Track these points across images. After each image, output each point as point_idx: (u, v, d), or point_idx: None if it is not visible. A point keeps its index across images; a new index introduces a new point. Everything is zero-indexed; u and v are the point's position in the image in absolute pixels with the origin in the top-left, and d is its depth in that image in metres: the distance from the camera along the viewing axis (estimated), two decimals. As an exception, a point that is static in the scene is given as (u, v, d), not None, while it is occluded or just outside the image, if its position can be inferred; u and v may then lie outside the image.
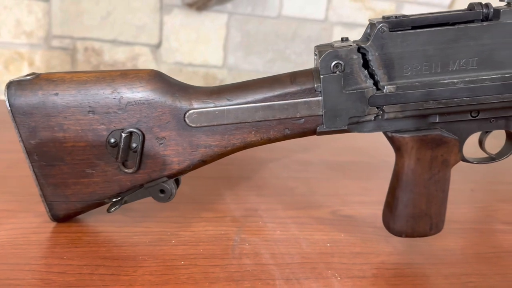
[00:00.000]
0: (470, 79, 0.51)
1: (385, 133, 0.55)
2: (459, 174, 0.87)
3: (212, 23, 1.87)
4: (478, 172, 0.93)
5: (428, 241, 0.64)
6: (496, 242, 0.65)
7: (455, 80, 0.51)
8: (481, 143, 0.61)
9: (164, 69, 1.80)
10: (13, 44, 1.75)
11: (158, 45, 1.84)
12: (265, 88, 0.53)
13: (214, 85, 0.55)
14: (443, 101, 0.52)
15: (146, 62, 1.89)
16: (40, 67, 1.82)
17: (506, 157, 0.61)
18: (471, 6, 0.51)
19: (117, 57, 1.85)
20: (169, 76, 0.54)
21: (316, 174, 0.90)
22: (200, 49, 1.98)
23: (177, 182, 0.62)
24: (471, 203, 0.78)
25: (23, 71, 1.79)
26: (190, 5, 1.81)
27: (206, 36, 1.89)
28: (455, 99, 0.52)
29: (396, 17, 0.51)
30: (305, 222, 0.67)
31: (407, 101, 0.52)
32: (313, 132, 0.54)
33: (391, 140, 0.59)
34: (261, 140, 0.53)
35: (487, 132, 0.56)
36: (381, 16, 0.52)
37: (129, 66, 1.90)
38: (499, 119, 0.54)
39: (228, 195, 0.75)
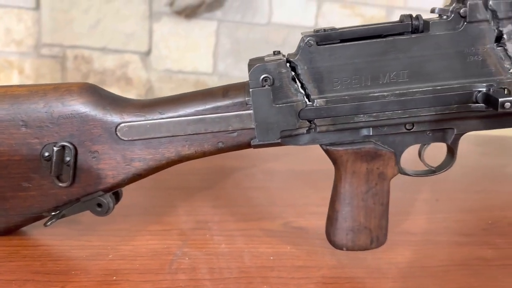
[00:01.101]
0: (401, 91, 0.51)
1: (321, 146, 0.54)
2: (427, 183, 0.89)
3: (202, 30, 1.87)
4: (448, 181, 0.92)
5: (376, 254, 0.63)
6: (448, 255, 0.64)
7: (385, 93, 0.51)
8: (420, 155, 0.60)
9: (154, 77, 1.81)
10: (3, 52, 1.76)
11: (147, 53, 1.85)
12: (197, 101, 0.52)
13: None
14: (374, 114, 0.51)
15: (136, 69, 1.90)
16: (30, 75, 1.83)
17: (446, 170, 0.60)
18: (402, 18, 0.50)
19: (106, 64, 1.86)
20: (103, 89, 0.54)
21: (280, 184, 0.89)
22: (190, 56, 1.98)
23: (117, 196, 0.62)
24: (433, 213, 0.77)
25: (13, 79, 1.80)
26: (179, 13, 1.82)
27: (196, 43, 1.89)
28: (386, 112, 0.51)
29: (325, 30, 0.50)
30: (254, 235, 0.66)
31: (337, 114, 0.52)
32: (248, 145, 0.53)
33: (327, 153, 0.58)
34: (196, 153, 0.53)
35: (425, 144, 0.55)
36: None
37: (118, 73, 1.91)
38: (436, 132, 0.54)
39: (182, 206, 0.74)
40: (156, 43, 1.82)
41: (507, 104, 0.47)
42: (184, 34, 1.85)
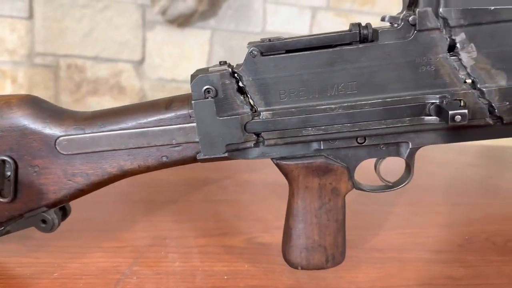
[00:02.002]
0: (349, 104, 0.49)
1: (272, 160, 0.51)
2: (404, 195, 0.86)
3: (195, 39, 1.85)
4: (427, 192, 0.89)
5: (337, 272, 0.60)
6: (413, 274, 0.61)
7: (333, 106, 0.49)
8: (376, 169, 0.57)
9: (147, 85, 1.79)
10: (-4, 62, 1.76)
11: (141, 61, 1.83)
12: (139, 113, 0.50)
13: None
14: (323, 127, 0.50)
15: (129, 78, 1.89)
16: (23, 85, 1.83)
17: (403, 186, 0.57)
18: (350, 27, 0.48)
19: (99, 73, 1.85)
20: (45, 101, 0.52)
21: (252, 196, 0.86)
22: (184, 65, 1.97)
23: (65, 211, 0.59)
24: (406, 228, 0.74)
25: (6, 88, 1.80)
26: (171, 22, 1.81)
27: (189, 52, 1.87)
28: (335, 126, 0.50)
29: (270, 40, 0.48)
30: (212, 252, 0.64)
31: (284, 127, 0.50)
32: (194, 159, 0.52)
33: (278, 167, 0.56)
34: (140, 168, 0.51)
35: (380, 158, 0.52)
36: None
37: (112, 82, 1.89)
38: (389, 146, 0.51)
39: (141, 221, 0.72)
40: (150, 52, 1.80)
41: (458, 117, 0.45)
42: (177, 42, 1.83)
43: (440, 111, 0.47)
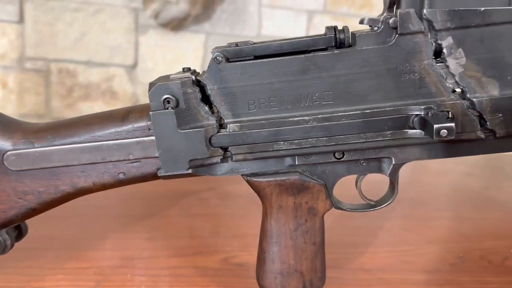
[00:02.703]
0: (325, 116, 0.45)
1: (242, 177, 0.46)
2: (396, 209, 0.80)
3: (189, 43, 1.81)
4: (420, 205, 0.84)
5: (318, 296, 0.54)
6: (399, 298, 0.55)
7: (307, 118, 0.45)
8: (357, 187, 0.52)
9: (140, 90, 1.75)
10: (-14, 66, 1.72)
11: (133, 66, 1.79)
12: (94, 125, 0.45)
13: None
14: (296, 141, 0.46)
15: (122, 83, 1.84)
16: (13, 89, 1.79)
17: (387, 205, 0.52)
18: (326, 31, 0.42)
19: (91, 78, 1.81)
20: None
21: (234, 210, 0.81)
22: (177, 70, 1.91)
23: (20, 231, 0.54)
24: (396, 245, 0.68)
25: (-4, 94, 1.76)
26: (165, 25, 1.76)
27: (183, 56, 1.83)
28: (310, 139, 0.46)
29: (236, 44, 0.44)
30: (184, 274, 0.59)
31: (254, 141, 0.46)
32: (155, 176, 0.48)
33: (249, 184, 0.51)
34: (94, 185, 0.46)
35: (361, 175, 0.46)
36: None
37: (104, 87, 1.85)
38: (371, 161, 0.48)
39: (111, 239, 0.67)
40: (142, 56, 1.76)
41: (444, 132, 0.41)
42: (171, 47, 1.79)
43: (424, 124, 0.43)
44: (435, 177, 0.97)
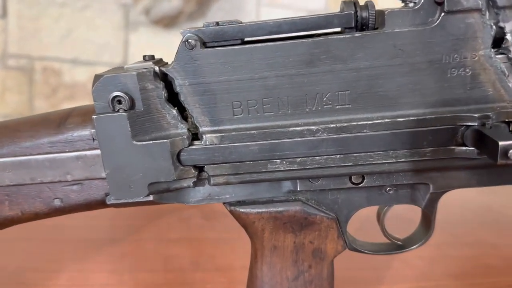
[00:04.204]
0: (339, 125, 0.35)
1: (224, 206, 0.39)
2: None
3: (183, 42, 1.69)
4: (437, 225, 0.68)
5: None
6: None
7: (313, 127, 0.35)
8: (379, 221, 0.38)
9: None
10: (-34, 63, 1.62)
11: (122, 64, 1.67)
12: (22, 133, 0.35)
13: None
14: (298, 159, 0.36)
15: (110, 83, 1.72)
16: (-6, 88, 1.69)
17: (418, 246, 0.38)
18: (342, 7, 0.29)
19: (77, 77, 1.70)
20: None
21: (221, 233, 0.68)
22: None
23: None
24: (413, 281, 0.57)
25: (-24, 92, 1.67)
26: (156, 22, 1.65)
27: (176, 56, 1.72)
28: (317, 157, 0.36)
29: (217, 23, 0.34)
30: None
31: (240, 159, 0.36)
32: (103, 203, 0.37)
33: (234, 216, 0.38)
34: (23, 214, 0.34)
35: (385, 206, 0.33)
36: None
37: (90, 87, 1.72)
38: (400, 189, 0.38)
39: (67, 271, 0.56)
40: (132, 55, 1.64)
41: None
42: (163, 44, 1.68)
43: (480, 139, 0.33)
44: (454, 192, 0.83)
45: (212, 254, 0.64)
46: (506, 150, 0.30)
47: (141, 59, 0.37)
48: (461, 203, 0.85)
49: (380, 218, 0.41)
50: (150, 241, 0.67)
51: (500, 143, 0.30)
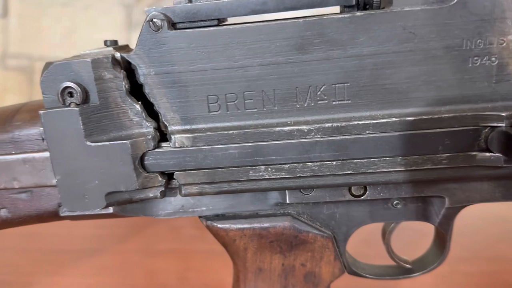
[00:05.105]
0: (337, 125, 0.30)
1: (201, 220, 0.35)
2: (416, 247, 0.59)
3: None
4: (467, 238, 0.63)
5: None
6: None
7: (305, 127, 0.30)
8: (385, 240, 0.32)
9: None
10: (-34, 63, 1.60)
11: (123, 66, 1.62)
12: None
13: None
14: (286, 166, 0.31)
15: (112, 85, 1.69)
16: (-6, 89, 1.66)
17: (430, 270, 0.32)
18: None
19: (79, 79, 1.65)
20: None
21: (212, 244, 0.61)
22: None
23: None
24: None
25: (-24, 92, 1.64)
26: (160, 23, 1.60)
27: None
28: (309, 164, 0.30)
29: (190, 1, 0.29)
30: None
31: (216, 164, 0.31)
32: (56, 215, 0.33)
33: (211, 233, 0.32)
34: None
35: (393, 223, 0.27)
36: None
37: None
38: (410, 202, 0.33)
39: (41, 284, 0.53)
40: (135, 56, 1.59)
41: None
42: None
43: (509, 143, 0.28)
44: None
45: (200, 268, 0.59)
46: None
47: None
48: (477, 213, 0.78)
49: (385, 236, 0.35)
50: (135, 252, 0.62)
51: None
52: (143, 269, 0.59)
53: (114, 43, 0.32)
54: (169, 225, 0.70)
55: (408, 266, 0.36)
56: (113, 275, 0.57)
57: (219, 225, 0.33)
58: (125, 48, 0.32)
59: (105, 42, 0.33)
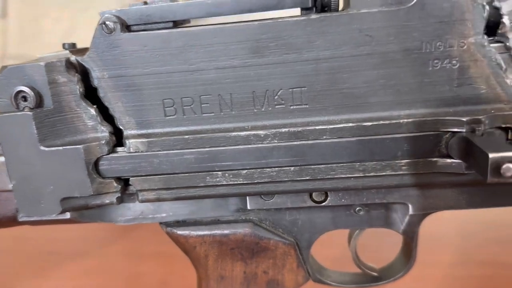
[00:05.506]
0: (294, 130, 0.29)
1: (161, 227, 0.34)
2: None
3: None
4: (438, 244, 0.61)
5: None
6: None
7: (262, 132, 0.29)
8: (350, 247, 0.31)
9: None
10: (-37, 64, 1.60)
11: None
12: None
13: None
14: (244, 172, 0.30)
15: (111, 86, 1.69)
16: (-7, 90, 1.66)
17: (396, 279, 0.31)
18: None
19: (78, 80, 1.65)
20: None
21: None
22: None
23: None
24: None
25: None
26: (159, 24, 1.61)
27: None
28: (267, 170, 0.30)
29: (146, 2, 0.29)
30: None
31: (173, 170, 0.30)
32: (15, 220, 0.32)
33: (172, 239, 0.32)
34: None
35: (358, 229, 0.33)
36: None
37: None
38: (373, 209, 0.32)
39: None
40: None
41: (508, 168, 0.23)
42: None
43: (468, 149, 0.26)
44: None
45: (184, 273, 0.58)
46: (498, 164, 0.23)
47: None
48: (471, 216, 0.77)
49: (350, 243, 0.34)
50: (119, 255, 0.61)
51: (491, 155, 0.23)
52: (126, 272, 0.58)
53: (72, 46, 0.32)
54: (154, 228, 0.69)
55: (375, 274, 0.35)
56: (96, 279, 0.56)
57: (178, 232, 0.33)
58: (84, 51, 0.32)
59: (63, 45, 0.32)
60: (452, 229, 0.67)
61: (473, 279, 0.57)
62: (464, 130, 0.27)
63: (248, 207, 0.32)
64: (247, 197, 0.32)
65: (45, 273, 0.56)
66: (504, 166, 0.23)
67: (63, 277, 0.57)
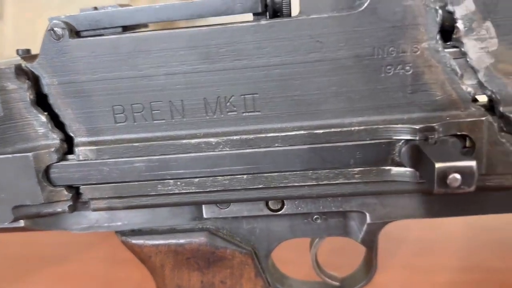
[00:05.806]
0: (245, 137, 0.29)
1: (117, 236, 0.34)
2: (401, 252, 0.58)
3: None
4: (431, 251, 0.60)
5: None
6: None
7: (213, 140, 0.29)
8: (311, 255, 0.31)
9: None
10: (-43, 66, 1.60)
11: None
12: None
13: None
14: (196, 180, 0.29)
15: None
16: (-12, 93, 1.66)
17: None
18: None
19: (74, 82, 1.65)
20: None
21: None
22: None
23: None
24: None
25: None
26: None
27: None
28: (219, 178, 0.29)
29: (96, 8, 0.29)
30: None
31: (123, 178, 0.29)
32: None
33: (128, 248, 0.31)
34: None
35: (316, 238, 0.27)
36: None
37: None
38: (330, 217, 0.32)
39: None
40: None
41: (454, 179, 0.23)
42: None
43: (419, 158, 0.26)
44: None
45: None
46: (444, 174, 0.22)
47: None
48: (462, 220, 0.76)
49: (311, 251, 0.33)
50: (97, 260, 0.61)
51: (437, 165, 0.23)
52: (104, 278, 0.58)
53: (26, 52, 0.32)
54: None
55: (337, 283, 0.34)
56: (75, 283, 0.56)
57: (133, 241, 0.32)
58: (37, 57, 0.31)
59: (17, 51, 0.32)
60: (440, 236, 0.66)
61: (462, 284, 0.56)
62: (417, 138, 0.26)
63: (204, 216, 0.32)
64: (203, 206, 0.31)
65: (24, 277, 0.56)
66: (451, 176, 0.22)
67: (41, 282, 0.56)
